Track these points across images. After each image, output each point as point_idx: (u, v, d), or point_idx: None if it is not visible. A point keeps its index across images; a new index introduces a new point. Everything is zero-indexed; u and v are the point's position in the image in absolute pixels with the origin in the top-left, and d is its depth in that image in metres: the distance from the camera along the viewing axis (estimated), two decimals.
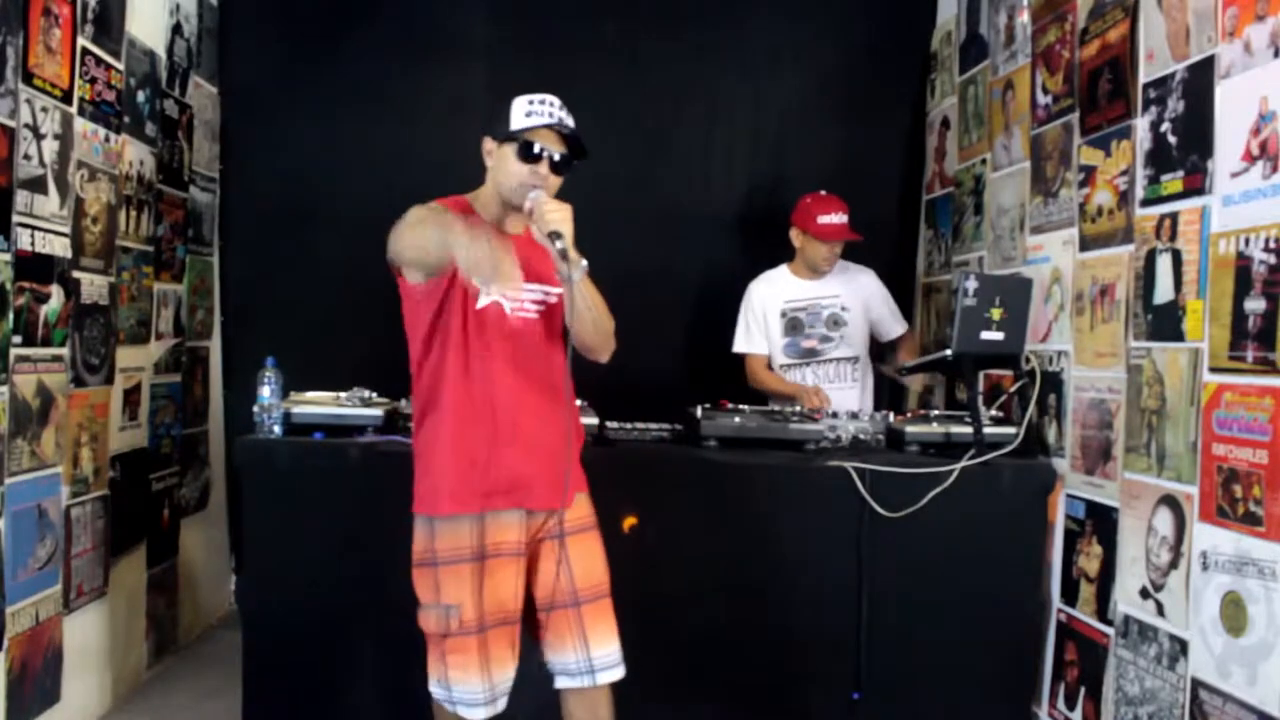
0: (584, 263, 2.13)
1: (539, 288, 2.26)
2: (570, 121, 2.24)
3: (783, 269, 3.56)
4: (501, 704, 2.19)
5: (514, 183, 2.20)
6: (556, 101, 2.23)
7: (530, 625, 2.28)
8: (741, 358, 3.54)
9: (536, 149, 2.18)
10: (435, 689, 2.22)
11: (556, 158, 2.21)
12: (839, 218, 3.40)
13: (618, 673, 2.26)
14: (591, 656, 2.24)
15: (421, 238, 2.06)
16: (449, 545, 2.20)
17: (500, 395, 2.20)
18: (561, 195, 2.22)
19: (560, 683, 2.28)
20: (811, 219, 3.41)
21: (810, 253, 3.45)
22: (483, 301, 2.20)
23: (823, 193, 3.47)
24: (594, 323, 2.20)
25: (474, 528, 2.20)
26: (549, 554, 2.25)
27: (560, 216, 2.10)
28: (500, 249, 1.94)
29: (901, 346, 3.62)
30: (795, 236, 3.49)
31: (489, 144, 2.27)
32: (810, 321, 3.48)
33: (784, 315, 3.49)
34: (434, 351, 2.23)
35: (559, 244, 2.07)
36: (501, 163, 2.24)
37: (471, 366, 2.20)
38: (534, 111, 2.20)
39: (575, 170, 2.27)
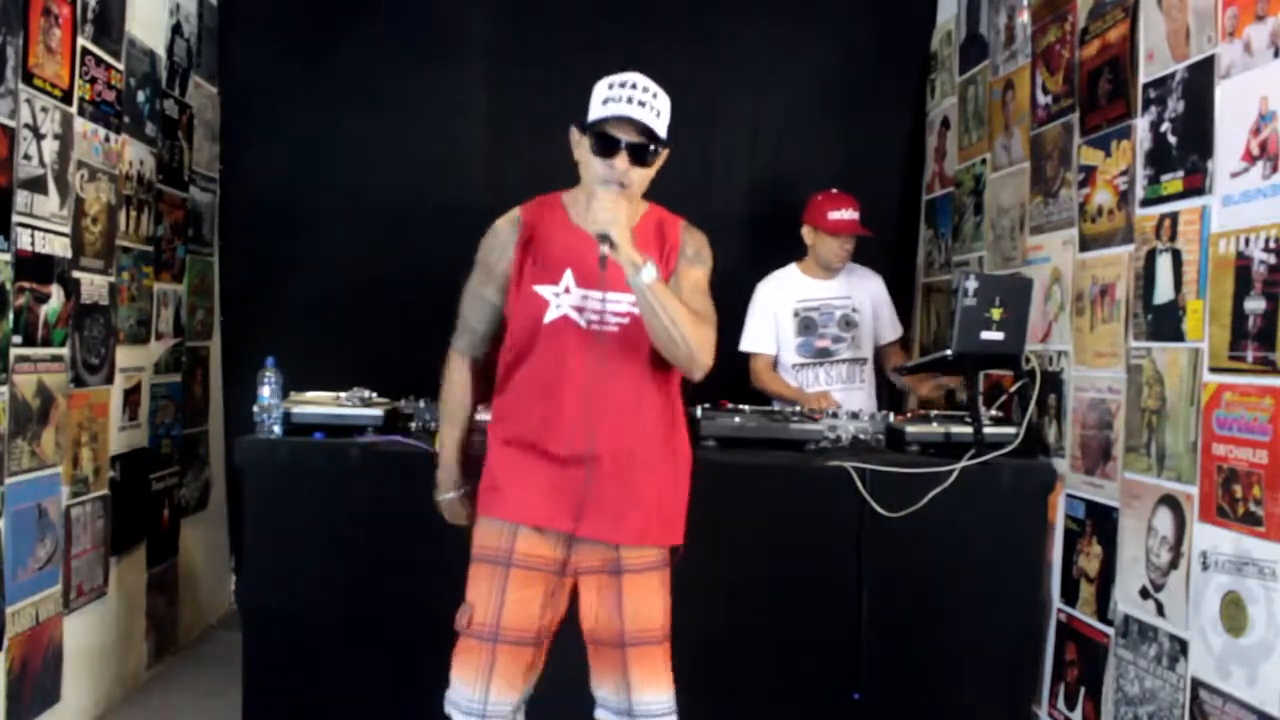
0: (651, 266, 1.94)
1: (625, 297, 2.04)
2: (659, 105, 2.03)
3: (792, 269, 3.55)
4: None
5: (594, 179, 2.04)
6: (639, 83, 2.02)
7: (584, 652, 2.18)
8: (745, 357, 3.54)
9: (611, 139, 2.00)
10: (447, 694, 2.14)
11: (641, 151, 2.02)
12: (850, 214, 3.41)
13: None
14: (633, 701, 2.10)
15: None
16: (480, 543, 2.13)
17: (564, 416, 2.05)
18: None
19: (600, 714, 2.19)
20: (823, 215, 3.41)
21: (822, 249, 3.45)
22: (551, 315, 2.06)
23: (834, 190, 3.47)
24: (666, 333, 1.97)
25: (507, 531, 2.10)
26: (599, 585, 2.12)
27: (610, 217, 1.93)
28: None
29: (890, 354, 3.63)
30: (807, 234, 3.48)
31: (575, 135, 2.09)
32: (823, 321, 3.48)
33: (797, 315, 3.48)
34: (505, 361, 2.14)
35: (603, 248, 1.93)
36: (584, 156, 2.07)
37: (537, 380, 2.07)
38: (611, 97, 2.01)
39: (660, 157, 2.08)
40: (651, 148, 2.05)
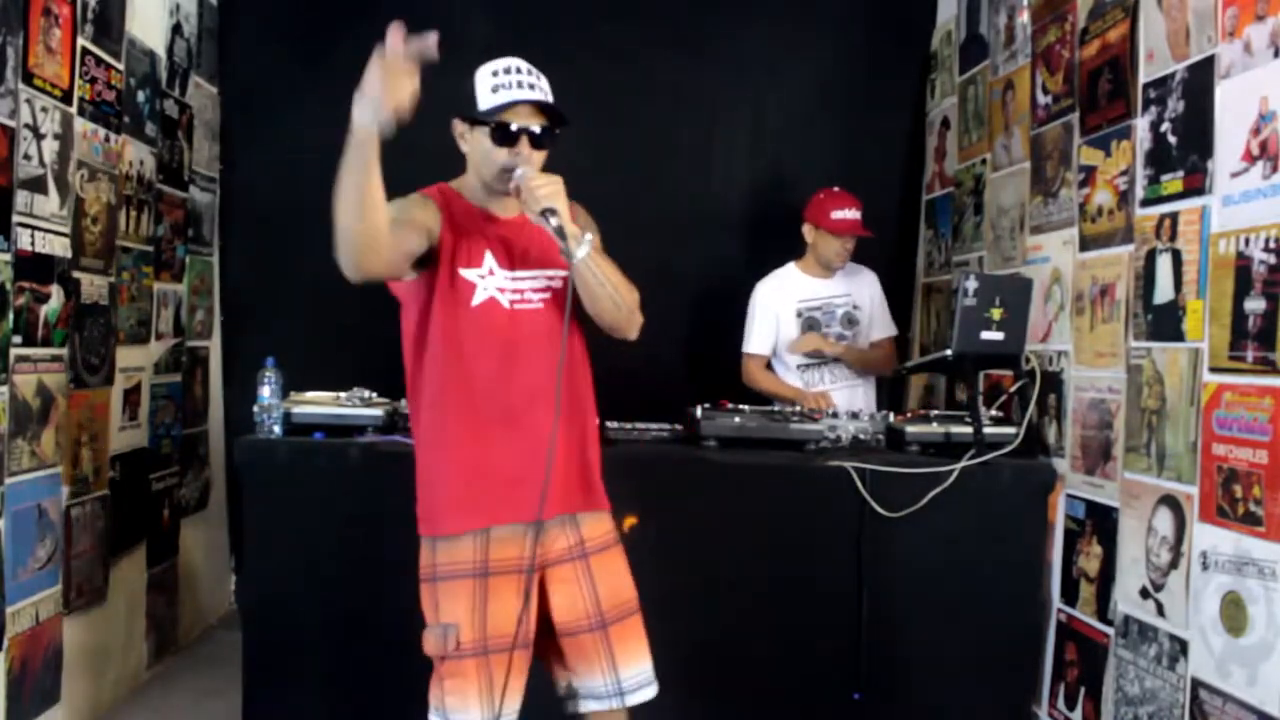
0: (588, 236, 1.96)
1: (540, 273, 2.07)
2: (543, 85, 2.02)
3: (790, 268, 3.55)
4: None
5: (494, 169, 2.02)
6: (524, 66, 2.01)
7: (542, 650, 2.12)
8: (739, 356, 3.54)
9: (513, 129, 1.99)
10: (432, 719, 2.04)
11: (537, 131, 2.00)
12: (852, 213, 3.40)
13: (649, 692, 2.12)
14: (620, 679, 2.09)
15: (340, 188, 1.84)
16: (447, 559, 2.04)
17: (500, 399, 2.02)
18: (572, 193, 2.15)
19: (585, 706, 2.13)
20: (825, 214, 3.41)
21: (823, 248, 3.45)
22: (478, 298, 2.02)
23: (835, 189, 3.47)
24: (611, 299, 2.01)
25: (477, 543, 2.02)
26: (570, 576, 2.09)
27: (550, 191, 1.93)
28: (382, 69, 1.74)
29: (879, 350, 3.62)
30: (808, 232, 3.48)
31: (459, 126, 2.06)
32: (827, 320, 3.48)
33: (800, 315, 3.48)
34: (426, 358, 2.05)
35: (554, 220, 1.91)
36: (476, 147, 2.04)
37: (469, 366, 2.01)
38: (501, 84, 1.99)
39: (559, 140, 2.06)
40: (554, 131, 2.04)
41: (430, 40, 1.75)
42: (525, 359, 2.04)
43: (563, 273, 2.05)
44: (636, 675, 2.11)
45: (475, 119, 2.03)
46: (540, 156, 2.04)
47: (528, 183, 1.95)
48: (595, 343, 2.20)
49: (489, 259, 2.05)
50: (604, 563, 2.12)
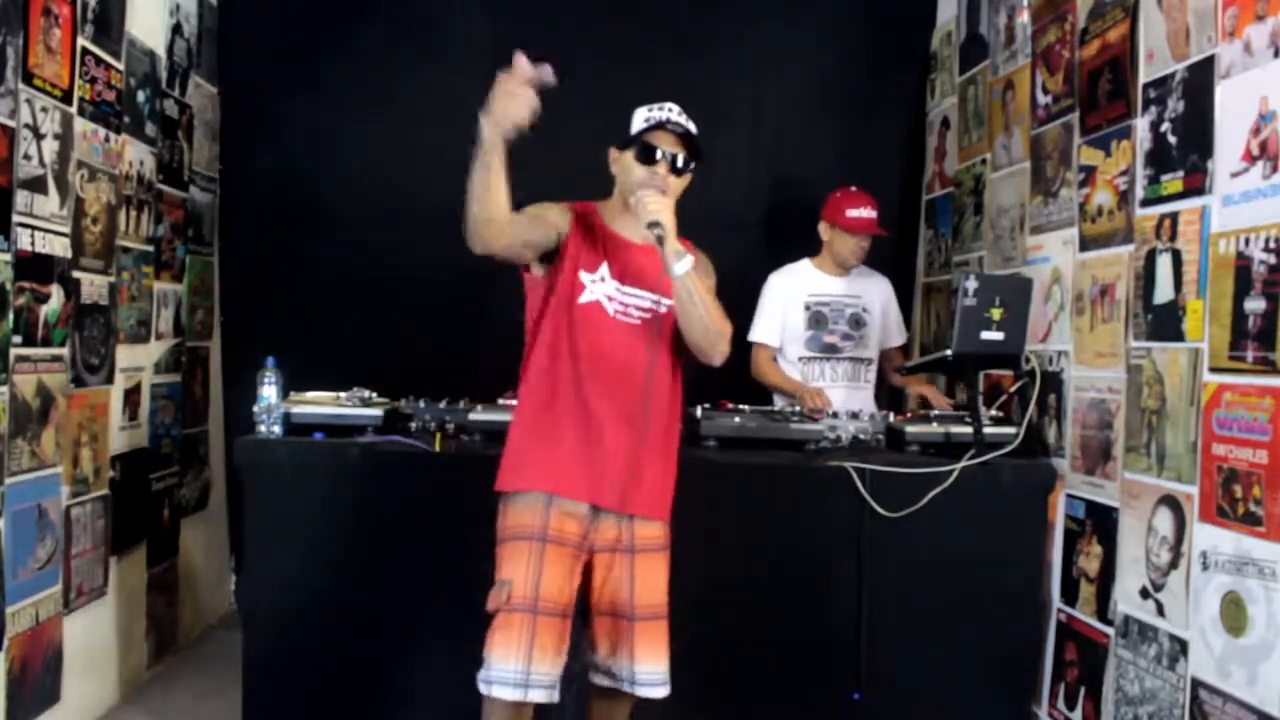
0: (689, 257, 2.18)
1: (648, 294, 2.31)
2: (689, 125, 2.29)
3: (805, 263, 3.55)
4: (535, 695, 2.15)
5: (632, 184, 2.27)
6: (675, 108, 2.31)
7: (577, 626, 2.29)
8: (746, 350, 3.53)
9: (657, 152, 2.26)
10: (480, 674, 2.18)
11: (679, 161, 2.28)
12: (868, 212, 3.41)
13: (660, 691, 2.29)
14: (636, 670, 2.28)
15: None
16: (514, 522, 2.24)
17: (588, 391, 2.24)
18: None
19: (598, 680, 2.34)
20: (841, 213, 3.42)
21: (839, 246, 3.46)
22: (585, 298, 2.26)
23: (852, 188, 3.47)
24: (700, 320, 2.22)
25: (541, 506, 2.22)
26: (614, 564, 2.29)
27: (660, 207, 2.16)
28: (504, 89, 1.98)
29: (893, 358, 3.63)
30: (824, 230, 3.49)
31: (614, 153, 2.35)
32: (834, 318, 3.48)
33: (808, 308, 3.48)
34: (538, 339, 2.29)
35: (657, 231, 2.14)
36: (623, 168, 2.32)
37: (565, 356, 2.24)
38: (651, 118, 2.28)
39: (696, 173, 2.32)
40: (691, 163, 2.30)
41: (548, 70, 2.02)
42: (617, 364, 2.26)
43: (669, 300, 2.29)
44: (651, 672, 2.28)
45: (626, 141, 2.31)
46: (677, 183, 2.30)
47: (644, 198, 2.18)
48: None
49: (604, 268, 2.29)
50: (646, 564, 2.31)
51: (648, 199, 2.18)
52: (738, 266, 3.82)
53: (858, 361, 3.51)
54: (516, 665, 2.15)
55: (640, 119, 2.31)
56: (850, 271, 3.51)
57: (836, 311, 3.49)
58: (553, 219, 2.29)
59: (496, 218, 2.09)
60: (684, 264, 2.17)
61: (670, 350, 2.34)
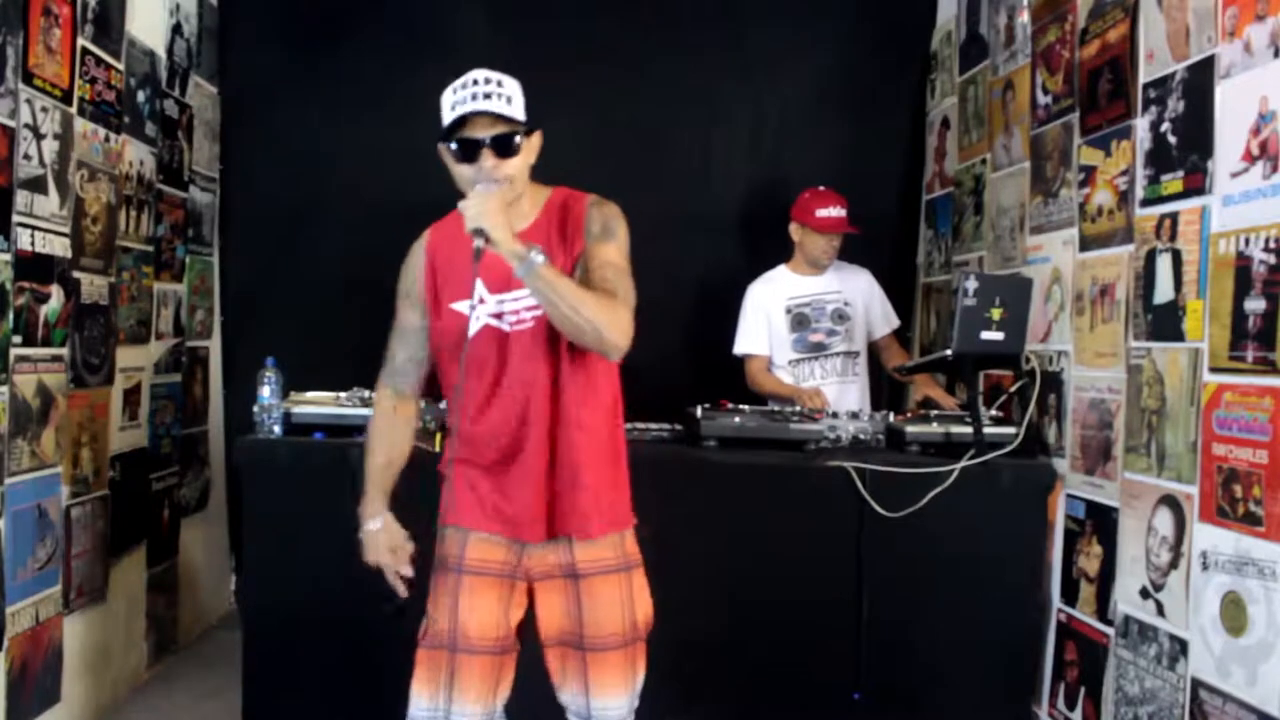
0: (533, 251, 1.84)
1: (526, 292, 1.97)
2: (506, 90, 1.94)
3: (781, 269, 3.57)
4: None
5: (470, 188, 1.94)
6: (479, 77, 1.93)
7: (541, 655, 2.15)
8: (742, 360, 3.54)
9: (478, 147, 1.92)
10: (408, 712, 2.07)
11: (505, 141, 1.92)
12: (837, 211, 3.42)
13: None
14: (591, 706, 2.06)
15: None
16: (439, 552, 2.09)
17: (498, 417, 2.02)
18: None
19: (567, 711, 2.14)
20: (810, 213, 3.43)
21: (809, 246, 3.47)
22: (474, 328, 1.99)
23: (821, 187, 3.49)
24: (566, 319, 1.88)
25: (457, 536, 2.07)
26: (556, 590, 2.07)
27: (476, 212, 1.85)
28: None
29: (887, 346, 3.63)
30: (794, 231, 3.50)
31: (442, 151, 2.00)
32: (816, 316, 3.49)
33: (789, 312, 3.49)
34: (444, 382, 2.12)
35: (478, 242, 1.84)
36: (453, 169, 1.99)
37: (465, 393, 2.01)
38: (456, 101, 1.93)
39: (530, 140, 1.98)
40: (514, 136, 1.95)
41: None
42: (518, 379, 2.01)
43: None
44: (607, 707, 2.06)
45: (441, 136, 1.97)
46: (513, 164, 1.96)
47: (462, 202, 1.89)
48: None
49: (479, 287, 1.99)
50: (596, 589, 2.06)
51: (464, 205, 1.88)
52: (738, 267, 3.85)
53: (846, 356, 3.51)
54: (437, 704, 2.00)
55: (446, 108, 1.94)
56: (826, 270, 3.51)
57: (818, 309, 3.49)
58: (409, 310, 2.12)
59: (409, 419, 2.18)
60: (529, 262, 1.82)
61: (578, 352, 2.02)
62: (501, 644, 2.04)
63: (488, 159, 1.93)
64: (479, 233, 1.84)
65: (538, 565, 2.07)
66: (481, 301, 2.01)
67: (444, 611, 2.03)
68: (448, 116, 1.94)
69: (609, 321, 1.89)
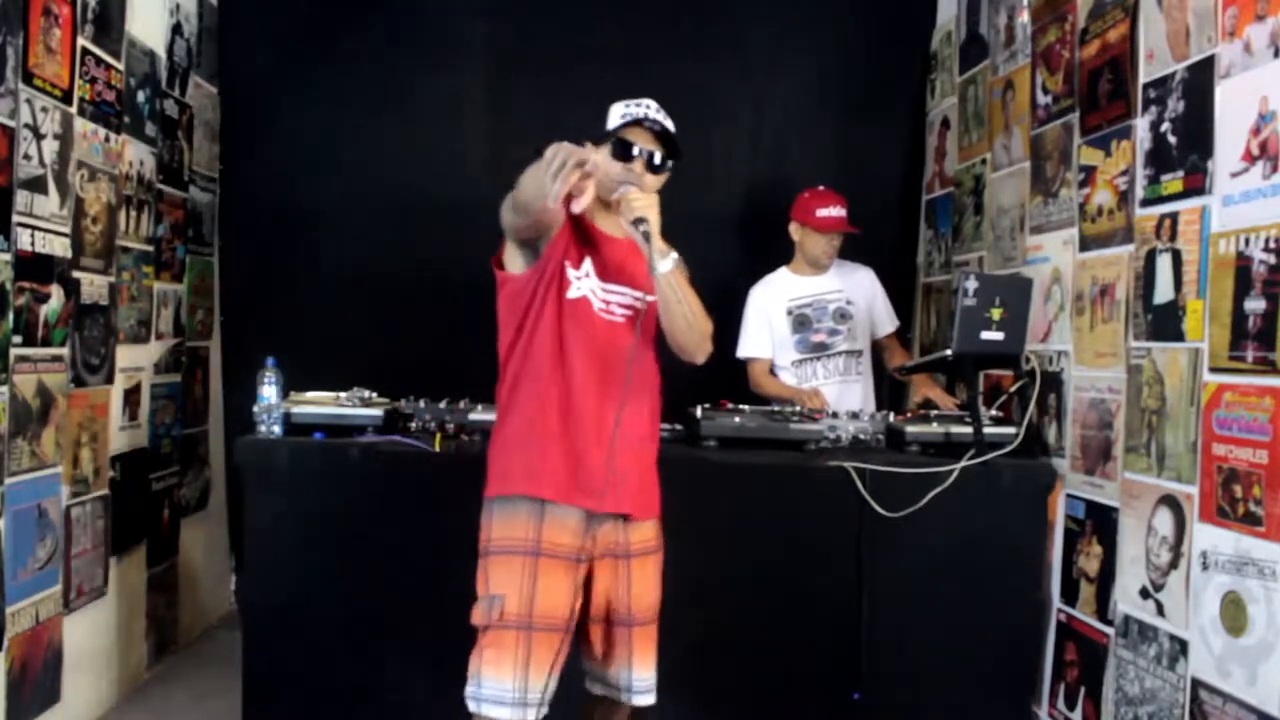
0: (674, 254, 2.12)
1: (629, 291, 2.24)
2: (666, 122, 2.24)
3: (782, 271, 3.57)
4: (531, 715, 2.08)
5: (611, 181, 2.18)
6: (653, 104, 2.26)
7: (577, 635, 2.23)
8: (743, 363, 3.54)
9: (634, 149, 2.20)
10: (468, 690, 2.12)
11: (656, 159, 2.22)
12: (837, 211, 3.42)
13: (650, 699, 2.25)
14: (633, 678, 2.23)
15: (523, 183, 2.04)
16: (503, 534, 2.15)
17: (577, 390, 2.16)
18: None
19: (595, 689, 2.29)
20: (809, 213, 3.43)
21: (809, 246, 3.47)
22: (573, 293, 2.18)
23: (820, 187, 3.49)
24: (685, 318, 2.17)
25: (532, 516, 2.14)
26: (609, 568, 2.22)
27: (645, 204, 2.10)
28: (562, 157, 1.89)
29: (889, 346, 3.63)
30: (794, 231, 3.50)
31: (590, 148, 2.20)
32: (817, 316, 3.49)
33: (790, 313, 3.49)
34: (523, 338, 2.20)
35: (643, 228, 2.07)
36: (601, 159, 2.20)
37: (556, 355, 2.17)
38: (629, 113, 2.23)
39: (674, 171, 2.27)
40: (666, 159, 2.23)
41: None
42: (604, 362, 2.19)
43: (649, 297, 2.23)
44: (644, 680, 2.25)
45: (603, 137, 2.24)
46: (654, 181, 2.23)
47: (628, 196, 2.12)
48: None
49: (588, 264, 2.22)
50: (641, 568, 2.25)
51: (632, 196, 2.11)
52: (738, 267, 3.85)
53: (849, 355, 3.51)
54: (511, 683, 2.08)
55: (617, 115, 2.24)
56: (827, 270, 3.51)
57: (820, 309, 3.49)
58: (549, 215, 2.23)
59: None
60: (668, 262, 2.10)
61: (652, 348, 2.28)
62: (568, 624, 2.16)
63: (640, 167, 2.20)
64: (641, 222, 2.08)
65: (601, 544, 2.21)
66: (587, 276, 2.22)
67: (517, 592, 2.12)
68: (616, 121, 2.23)
69: (708, 330, 2.23)
